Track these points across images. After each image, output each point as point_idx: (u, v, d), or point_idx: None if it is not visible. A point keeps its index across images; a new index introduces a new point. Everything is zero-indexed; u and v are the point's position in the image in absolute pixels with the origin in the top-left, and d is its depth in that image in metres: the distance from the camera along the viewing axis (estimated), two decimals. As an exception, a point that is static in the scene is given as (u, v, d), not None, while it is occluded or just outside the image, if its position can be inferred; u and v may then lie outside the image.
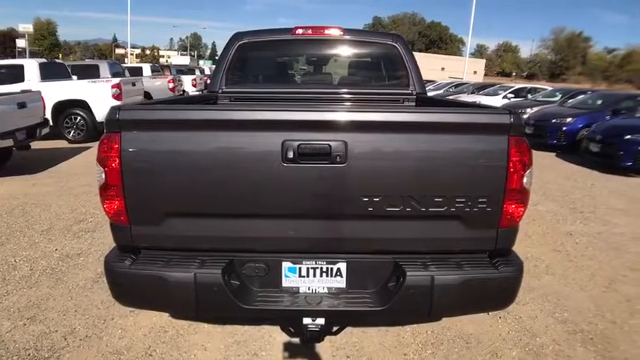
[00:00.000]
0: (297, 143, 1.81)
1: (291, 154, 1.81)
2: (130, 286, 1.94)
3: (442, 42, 76.51)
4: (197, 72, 22.29)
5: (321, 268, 2.02)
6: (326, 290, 2.04)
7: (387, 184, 1.89)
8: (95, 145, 9.32)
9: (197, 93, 17.97)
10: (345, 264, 2.02)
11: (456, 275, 1.96)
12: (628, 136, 7.69)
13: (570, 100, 12.61)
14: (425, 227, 1.99)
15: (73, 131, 9.44)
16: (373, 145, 1.86)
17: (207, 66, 36.99)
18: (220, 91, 3.54)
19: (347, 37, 3.61)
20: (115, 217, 1.96)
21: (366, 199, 1.89)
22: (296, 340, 2.65)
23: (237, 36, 3.59)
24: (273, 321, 2.12)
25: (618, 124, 8.43)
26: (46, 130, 7.21)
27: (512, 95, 16.60)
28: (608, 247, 4.51)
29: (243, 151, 1.85)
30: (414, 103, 3.61)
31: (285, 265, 2.01)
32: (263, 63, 3.78)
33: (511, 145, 1.89)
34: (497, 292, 2.04)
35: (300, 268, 2.02)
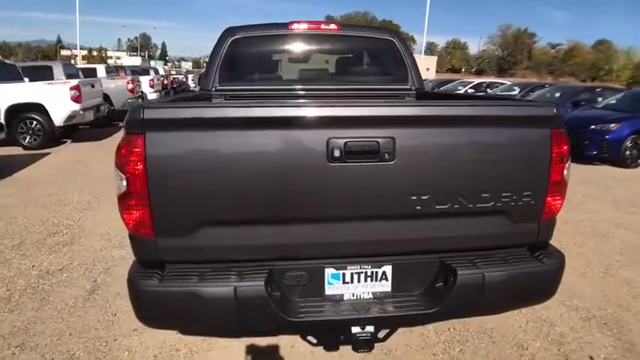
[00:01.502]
0: (343, 141, 1.68)
1: (337, 153, 1.67)
2: (160, 306, 1.74)
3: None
4: (152, 72, 21.41)
5: (366, 273, 1.91)
6: (371, 295, 1.93)
7: (436, 181, 1.80)
8: (54, 150, 8.81)
9: (155, 94, 17.26)
10: (390, 267, 1.91)
11: (504, 271, 1.90)
12: (592, 127, 8.05)
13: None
14: (471, 224, 1.92)
15: (28, 137, 8.74)
16: (422, 141, 1.76)
17: (160, 66, 35.71)
18: (214, 89, 3.33)
19: (344, 32, 3.51)
20: (137, 229, 1.75)
21: (415, 198, 1.79)
22: (319, 348, 2.52)
23: (229, 31, 3.40)
24: (319, 331, 1.98)
25: (582, 115, 8.81)
26: (1, 136, 6.63)
27: (473, 90, 17.09)
28: (595, 233, 4.67)
29: (285, 150, 1.69)
30: (414, 98, 3.55)
31: (329, 271, 1.88)
32: (258, 59, 3.59)
33: (553, 138, 1.86)
34: (542, 285, 2.01)
35: (344, 274, 1.89)
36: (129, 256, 3.83)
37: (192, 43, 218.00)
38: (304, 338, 2.55)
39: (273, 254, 1.81)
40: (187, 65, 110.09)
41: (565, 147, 1.90)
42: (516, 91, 14.55)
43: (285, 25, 3.44)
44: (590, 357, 2.56)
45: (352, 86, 3.56)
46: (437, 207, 1.82)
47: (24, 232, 4.37)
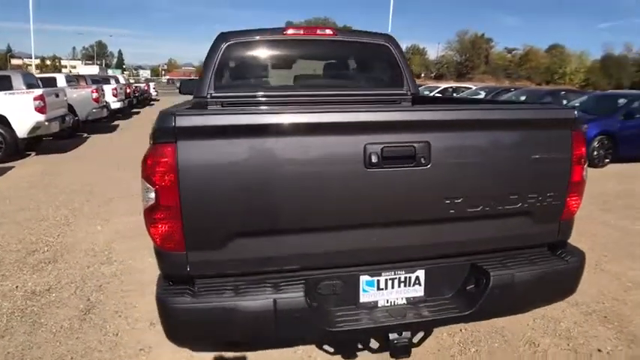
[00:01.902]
0: (380, 146, 1.67)
1: (375, 159, 1.66)
2: (194, 324, 1.65)
3: (353, 46, 78.44)
4: (113, 81, 20.68)
5: (399, 278, 1.89)
6: (405, 301, 1.91)
7: (468, 184, 1.82)
8: (18, 164, 8.36)
9: (119, 103, 16.70)
10: (423, 271, 1.91)
11: (532, 271, 1.93)
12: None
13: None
14: (499, 225, 1.94)
15: (-11, 150, 8.25)
16: (456, 145, 1.78)
17: (119, 75, 34.51)
18: (209, 96, 3.25)
19: (339, 37, 3.50)
20: (166, 244, 1.66)
21: (448, 202, 1.80)
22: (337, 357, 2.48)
23: (223, 36, 3.32)
24: (357, 340, 1.95)
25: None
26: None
27: (440, 95, 17.55)
28: (578, 231, 4.83)
29: (322, 157, 1.66)
30: (410, 103, 3.58)
31: (363, 278, 1.85)
32: (253, 65, 3.52)
33: (574, 139, 1.92)
34: (566, 283, 2.06)
35: (378, 281, 1.86)
36: (120, 272, 3.68)
37: (149, 50, 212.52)
38: (320, 347, 2.51)
39: (309, 263, 1.77)
40: (146, 73, 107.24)
41: (583, 148, 1.96)
42: (482, 94, 15.05)
43: (280, 30, 3.40)
44: (599, 349, 2.65)
45: (350, 91, 3.56)
46: (469, 210, 1.84)
47: (0, 252, 4.09)
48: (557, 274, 1.99)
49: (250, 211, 1.64)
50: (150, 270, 3.63)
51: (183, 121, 1.53)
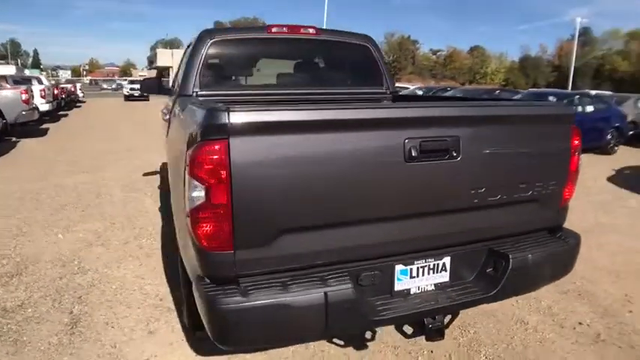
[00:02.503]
0: (419, 140, 1.75)
1: (414, 152, 1.74)
2: (247, 324, 1.62)
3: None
4: (36, 82, 19.06)
5: (429, 266, 1.98)
6: (433, 287, 2.01)
7: (490, 175, 1.96)
8: None
9: (48, 105, 15.47)
10: (449, 258, 2.01)
11: (543, 252, 2.11)
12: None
13: None
14: (512, 212, 2.10)
15: None
16: (481, 139, 1.91)
17: (42, 75, 31.86)
18: (195, 94, 3.15)
19: (322, 36, 3.55)
20: (213, 244, 1.62)
21: (474, 192, 1.93)
22: (348, 349, 2.53)
23: (207, 33, 3.24)
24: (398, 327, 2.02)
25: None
26: None
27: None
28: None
29: (366, 151, 1.71)
30: (390, 101, 3.71)
31: (398, 268, 1.92)
32: (238, 63, 3.48)
33: (573, 133, 2.13)
34: (567, 262, 2.27)
35: (411, 269, 1.95)
36: (98, 282, 3.46)
37: (68, 50, 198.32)
38: (330, 341, 2.55)
39: (351, 256, 1.80)
40: (66, 74, 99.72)
41: (579, 141, 2.18)
42: (420, 94, 15.77)
43: (264, 29, 3.38)
44: (579, 322, 2.92)
45: (332, 90, 3.62)
46: (489, 199, 1.97)
47: (-51, 268, 3.68)
48: (560, 255, 2.19)
49: (297, 207, 1.65)
50: (130, 278, 3.47)
51: (237, 117, 1.51)
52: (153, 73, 74.28)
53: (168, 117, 3.28)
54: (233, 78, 3.48)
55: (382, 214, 1.79)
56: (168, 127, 3.18)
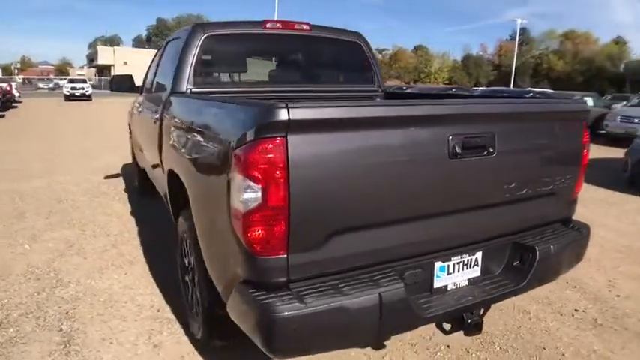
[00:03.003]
0: (462, 137, 1.75)
1: (458, 149, 1.74)
2: (303, 331, 1.53)
3: (228, 43, 75.61)
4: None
5: (464, 261, 1.99)
6: (467, 282, 2.02)
7: (520, 170, 2.01)
8: None
9: None
10: (481, 252, 2.03)
11: (562, 243, 2.18)
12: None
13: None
14: (534, 206, 2.16)
15: None
16: (512, 135, 1.95)
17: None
18: (189, 91, 3.00)
19: (315, 33, 3.50)
20: (266, 248, 1.52)
21: (506, 187, 1.96)
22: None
23: (199, 28, 3.09)
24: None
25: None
26: None
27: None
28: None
29: (414, 149, 1.70)
30: (382, 99, 3.72)
31: (437, 264, 1.91)
32: (232, 59, 3.34)
33: (584, 128, 2.23)
34: (581, 250, 2.36)
35: (448, 266, 1.95)
36: (83, 294, 3.21)
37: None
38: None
39: (396, 255, 1.77)
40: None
41: (587, 135, 2.28)
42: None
43: (259, 24, 3.28)
44: (576, 309, 3.07)
45: (326, 87, 3.58)
46: (518, 193, 2.01)
47: None
48: (577, 244, 2.28)
49: (350, 206, 1.60)
50: (118, 289, 3.24)
51: (297, 114, 1.43)
52: (92, 72, 70.58)
53: (157, 116, 3.08)
54: (228, 74, 3.34)
55: (425, 211, 1.79)
56: (160, 128, 2.99)
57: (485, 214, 1.97)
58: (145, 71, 4.96)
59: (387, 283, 1.66)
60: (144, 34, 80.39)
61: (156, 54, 4.84)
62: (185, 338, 2.63)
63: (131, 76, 4.94)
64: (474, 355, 2.54)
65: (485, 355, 2.53)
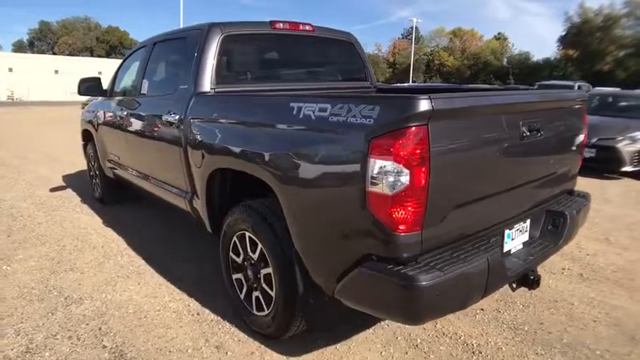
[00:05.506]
0: (528, 121, 2.10)
1: (526, 132, 2.07)
2: (442, 296, 1.73)
3: (124, 47, 69.90)
4: None
5: (519, 228, 2.33)
6: (522, 246, 2.36)
7: (556, 148, 2.44)
8: None
9: None
10: (529, 220, 2.39)
11: (579, 208, 2.63)
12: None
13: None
14: (558, 179, 2.58)
15: None
16: (549, 119, 2.34)
17: None
18: (213, 91, 3.00)
19: (317, 34, 3.68)
20: (408, 226, 1.70)
21: (548, 162, 2.36)
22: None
23: (215, 27, 3.10)
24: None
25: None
26: None
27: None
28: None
29: (504, 132, 2.04)
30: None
31: (506, 232, 2.22)
32: (248, 58, 3.39)
33: (584, 112, 2.70)
34: (587, 214, 2.83)
35: (512, 232, 2.26)
36: (105, 308, 3.14)
37: None
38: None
39: (487, 224, 2.07)
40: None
41: (587, 118, 2.76)
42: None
43: (268, 24, 3.37)
44: (563, 268, 3.60)
45: (329, 85, 3.76)
46: (552, 168, 2.43)
47: None
48: (585, 210, 2.75)
49: (468, 184, 1.89)
50: (140, 299, 3.12)
51: (439, 104, 1.62)
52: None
53: (176, 117, 3.03)
54: (245, 73, 3.37)
55: (506, 185, 2.12)
56: (185, 128, 2.93)
57: (532, 186, 2.33)
58: (113, 75, 4.72)
59: (489, 249, 1.92)
60: (25, 37, 72.27)
61: (126, 58, 4.65)
62: (243, 335, 2.65)
63: (99, 79, 4.66)
64: (505, 313, 2.90)
65: (514, 313, 2.91)
